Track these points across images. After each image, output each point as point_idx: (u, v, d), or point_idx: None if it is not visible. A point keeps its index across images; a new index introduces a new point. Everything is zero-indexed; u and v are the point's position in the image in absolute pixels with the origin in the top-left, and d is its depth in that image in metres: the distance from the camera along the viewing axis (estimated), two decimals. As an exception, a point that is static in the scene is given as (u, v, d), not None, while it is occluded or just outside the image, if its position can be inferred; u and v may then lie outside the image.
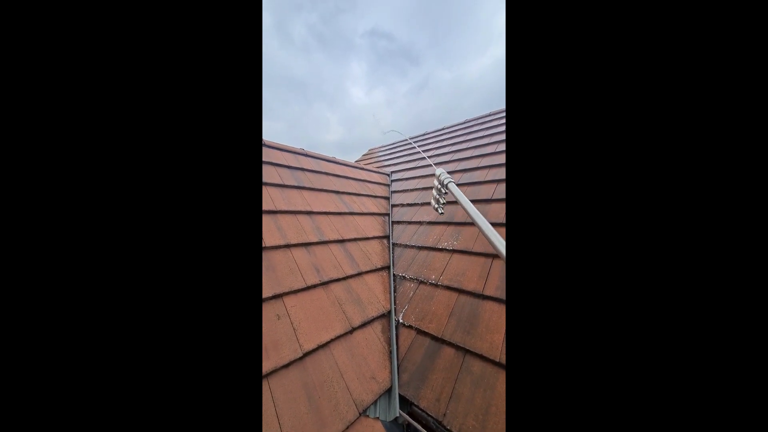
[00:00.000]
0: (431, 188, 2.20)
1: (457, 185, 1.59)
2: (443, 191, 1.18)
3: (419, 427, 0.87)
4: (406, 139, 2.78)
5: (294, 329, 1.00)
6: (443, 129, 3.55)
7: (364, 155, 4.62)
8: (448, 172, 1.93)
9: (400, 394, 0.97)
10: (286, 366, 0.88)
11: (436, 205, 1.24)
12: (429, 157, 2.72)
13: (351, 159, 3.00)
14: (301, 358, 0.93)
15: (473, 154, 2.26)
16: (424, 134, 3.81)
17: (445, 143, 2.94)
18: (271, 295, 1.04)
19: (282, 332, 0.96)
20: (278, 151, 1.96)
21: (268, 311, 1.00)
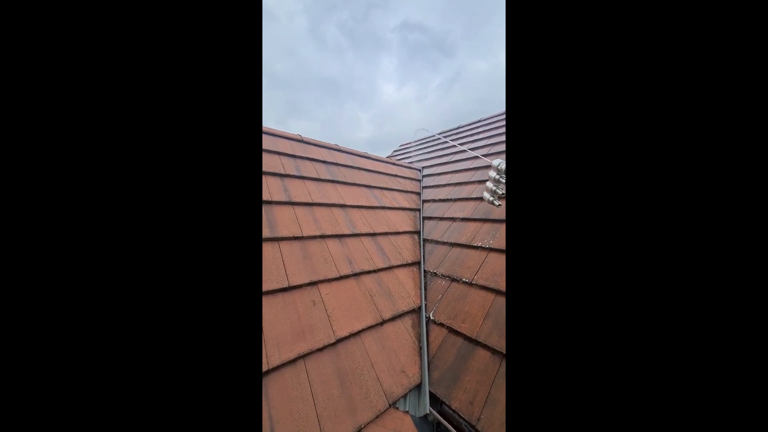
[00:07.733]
0: (464, 184, 2.09)
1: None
2: (503, 182, 1.11)
3: (450, 427, 0.84)
4: (435, 135, 2.65)
5: (328, 316, 1.04)
6: (480, 121, 3.35)
7: (395, 150, 4.59)
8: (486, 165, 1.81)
9: (430, 392, 0.95)
10: (321, 350, 0.92)
11: (492, 198, 1.17)
12: (464, 151, 2.59)
13: (381, 155, 3.00)
14: (334, 344, 0.96)
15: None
16: (457, 128, 3.64)
17: (480, 136, 2.77)
18: (307, 282, 1.10)
19: (317, 318, 1.01)
20: (314, 147, 2.04)
21: (305, 297, 1.06)
